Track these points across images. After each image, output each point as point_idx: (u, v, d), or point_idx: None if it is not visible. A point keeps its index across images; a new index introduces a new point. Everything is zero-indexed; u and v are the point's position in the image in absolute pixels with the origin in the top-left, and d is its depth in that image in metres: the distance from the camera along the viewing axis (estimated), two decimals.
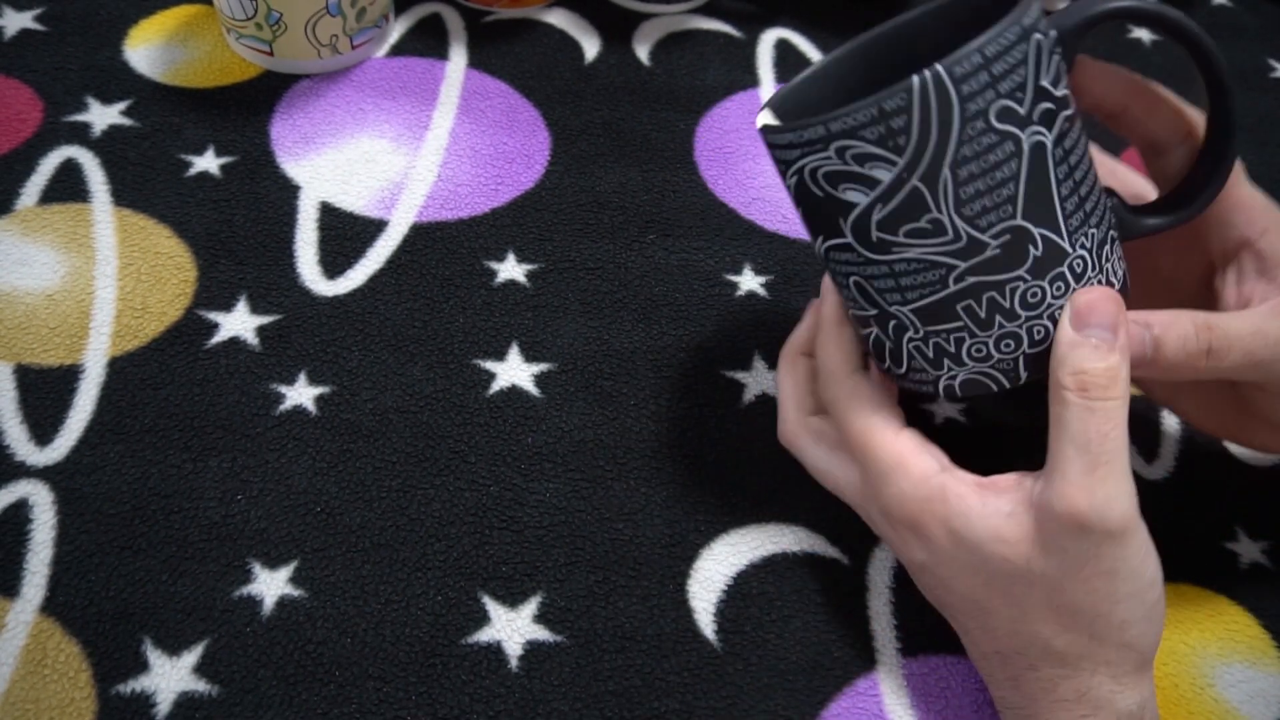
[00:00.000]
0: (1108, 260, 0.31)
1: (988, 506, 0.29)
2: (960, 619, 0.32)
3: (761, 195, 0.47)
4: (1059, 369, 0.29)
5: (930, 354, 0.31)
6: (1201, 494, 0.39)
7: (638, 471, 0.38)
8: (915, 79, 0.27)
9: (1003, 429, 0.40)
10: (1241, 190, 0.33)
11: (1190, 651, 0.35)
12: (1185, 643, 0.36)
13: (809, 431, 0.35)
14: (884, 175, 0.28)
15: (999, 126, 0.28)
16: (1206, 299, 0.34)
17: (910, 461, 0.31)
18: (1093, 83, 0.32)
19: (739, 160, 0.48)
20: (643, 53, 0.52)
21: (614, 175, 0.47)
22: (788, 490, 0.38)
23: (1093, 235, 0.30)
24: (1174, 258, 0.35)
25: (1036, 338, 0.30)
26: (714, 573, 0.35)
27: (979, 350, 0.31)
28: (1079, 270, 0.30)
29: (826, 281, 0.35)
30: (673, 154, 0.48)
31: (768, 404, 0.40)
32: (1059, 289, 0.30)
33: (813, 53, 0.54)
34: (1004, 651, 0.30)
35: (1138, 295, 0.36)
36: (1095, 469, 0.28)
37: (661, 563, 0.35)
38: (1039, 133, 0.28)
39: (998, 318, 0.30)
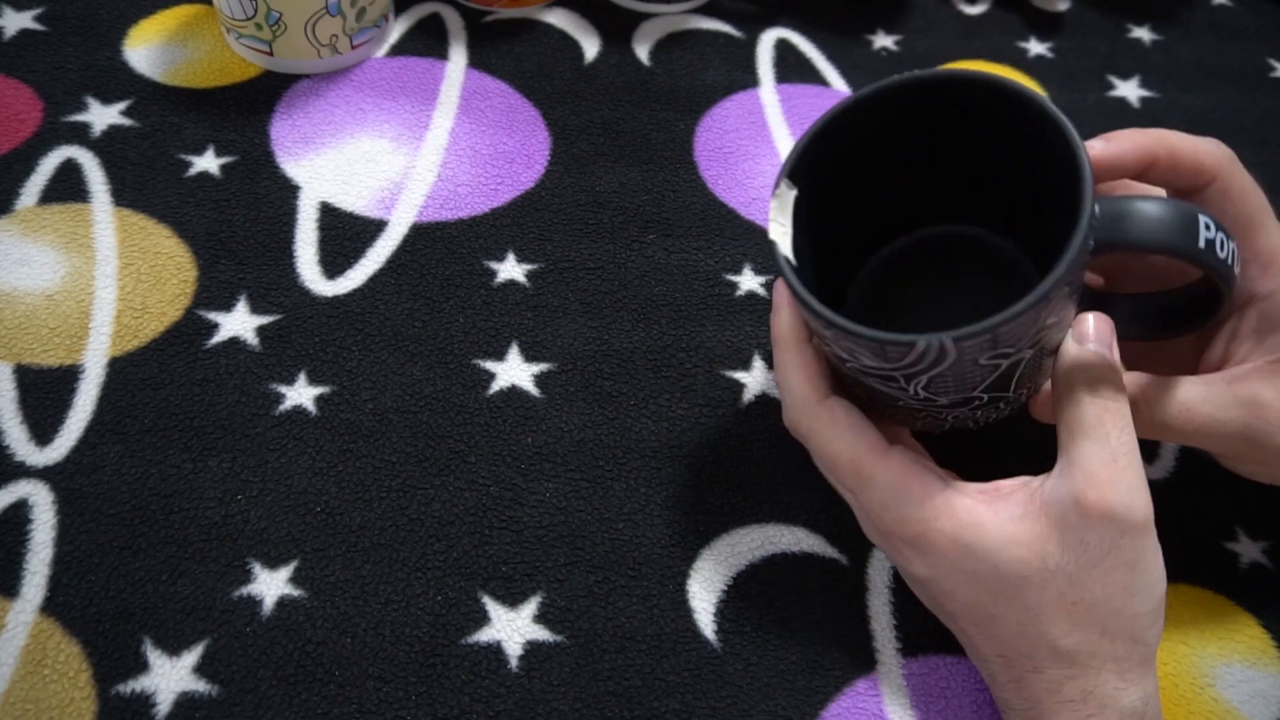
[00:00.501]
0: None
1: (999, 514, 0.29)
2: (961, 625, 0.31)
3: (761, 195, 0.47)
4: (1071, 374, 0.30)
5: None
6: (1201, 494, 0.39)
7: (638, 471, 0.38)
8: (921, 341, 0.28)
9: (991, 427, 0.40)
10: (1266, 242, 0.32)
11: (1190, 651, 0.35)
12: (1185, 643, 0.36)
13: (826, 415, 0.32)
14: (868, 362, 0.30)
15: (984, 362, 0.29)
16: (1198, 343, 0.35)
17: (909, 483, 0.30)
18: (1114, 154, 0.32)
19: (739, 160, 0.48)
20: (643, 53, 0.52)
21: (614, 175, 0.47)
22: (788, 490, 0.38)
23: (1049, 364, 0.31)
24: None
25: (980, 419, 0.34)
26: (714, 573, 0.35)
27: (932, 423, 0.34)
28: (1023, 399, 0.33)
29: (778, 292, 0.33)
30: (673, 154, 0.48)
31: (768, 404, 0.40)
32: (1000, 406, 0.33)
33: (812, 52, 0.54)
34: (1008, 655, 0.30)
35: None
36: (1116, 460, 0.28)
37: (661, 563, 0.35)
38: (1023, 354, 0.30)
39: (944, 421, 0.34)
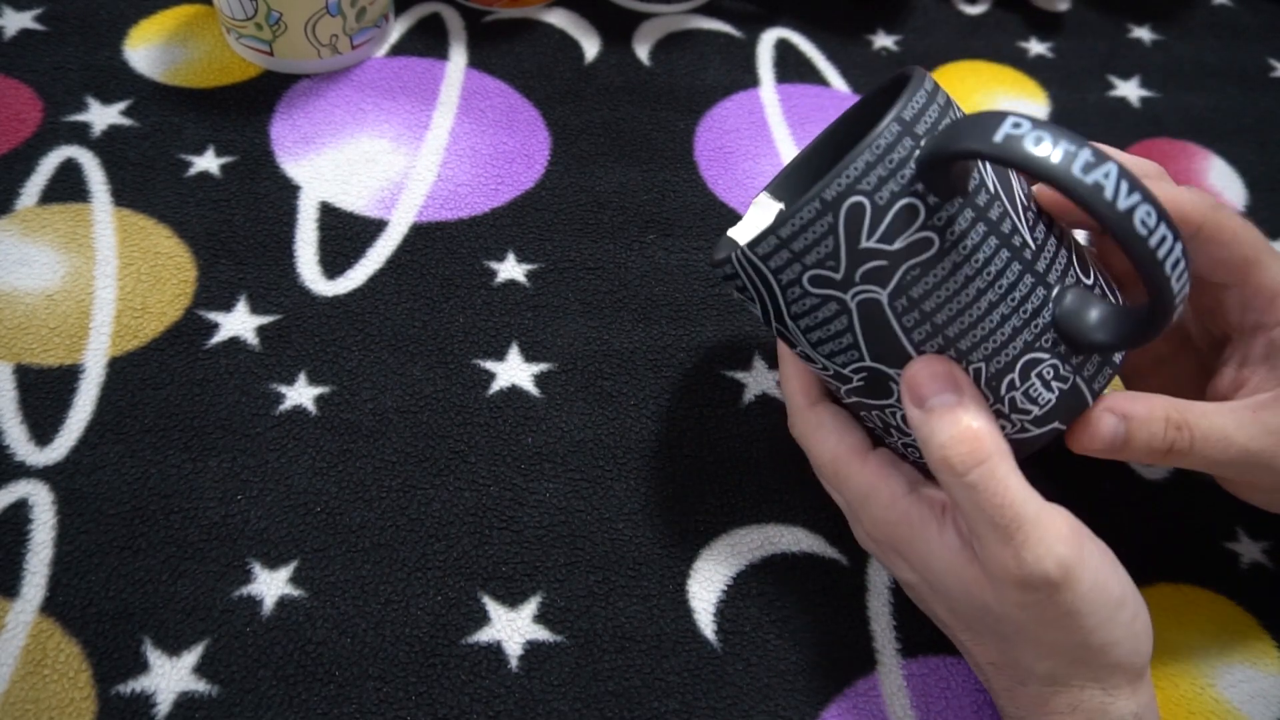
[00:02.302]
0: (1013, 389, 0.29)
1: (945, 539, 0.29)
2: (953, 633, 0.32)
3: None
4: (924, 449, 0.28)
5: (878, 428, 0.32)
6: (1201, 494, 0.39)
7: (638, 471, 0.38)
8: (732, 254, 0.29)
9: None
10: (1268, 277, 0.31)
11: (1190, 651, 0.35)
12: (1185, 643, 0.36)
13: (814, 420, 0.33)
14: (756, 311, 0.31)
15: (815, 291, 0.29)
16: (1208, 368, 0.35)
17: (880, 486, 0.31)
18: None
19: (739, 160, 0.48)
20: (643, 53, 0.52)
21: (614, 175, 0.47)
22: (787, 490, 0.38)
23: (980, 369, 0.29)
24: (1195, 323, 0.35)
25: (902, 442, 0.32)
26: (714, 573, 0.35)
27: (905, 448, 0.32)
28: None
29: None
30: (673, 154, 0.48)
31: (768, 404, 0.40)
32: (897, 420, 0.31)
33: (813, 52, 0.54)
34: (996, 664, 0.30)
35: (1150, 345, 0.36)
36: (1010, 539, 0.27)
37: (661, 563, 0.35)
38: (867, 290, 0.28)
39: (892, 429, 0.31)
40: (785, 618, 0.35)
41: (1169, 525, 0.38)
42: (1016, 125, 0.25)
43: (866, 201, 0.27)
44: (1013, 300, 0.28)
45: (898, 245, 0.27)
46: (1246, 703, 0.34)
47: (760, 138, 0.49)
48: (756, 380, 0.41)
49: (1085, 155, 0.24)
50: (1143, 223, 0.24)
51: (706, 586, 0.35)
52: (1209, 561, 0.38)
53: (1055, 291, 0.29)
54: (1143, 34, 0.58)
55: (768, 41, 0.54)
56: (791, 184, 0.36)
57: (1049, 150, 0.24)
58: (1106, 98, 0.54)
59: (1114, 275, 0.33)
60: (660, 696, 0.33)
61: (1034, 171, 0.25)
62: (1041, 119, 0.27)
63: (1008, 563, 0.27)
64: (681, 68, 0.52)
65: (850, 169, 0.27)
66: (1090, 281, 0.30)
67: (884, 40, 0.55)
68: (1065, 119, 0.53)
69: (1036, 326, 0.29)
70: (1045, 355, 0.29)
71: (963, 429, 0.27)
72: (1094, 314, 0.28)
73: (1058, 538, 0.27)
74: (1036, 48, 0.56)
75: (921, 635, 0.35)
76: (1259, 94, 0.56)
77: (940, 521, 0.30)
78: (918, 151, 0.27)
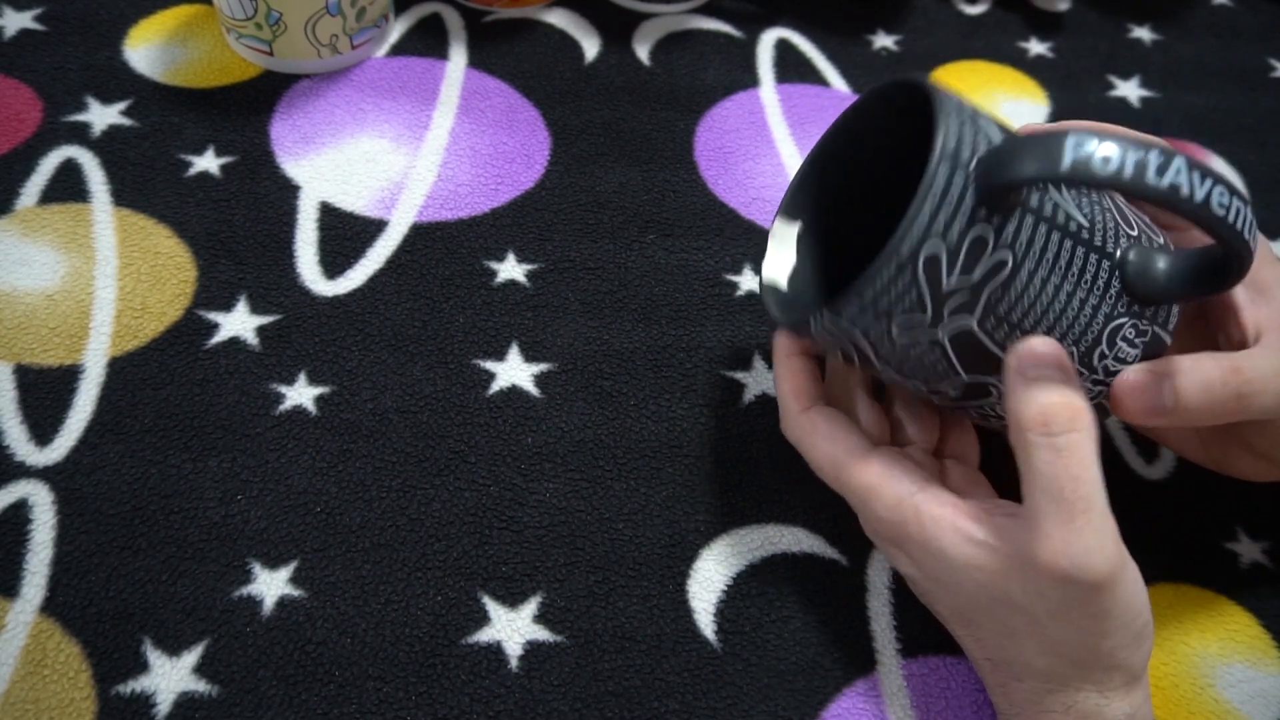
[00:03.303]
0: (1104, 359, 0.30)
1: (960, 532, 0.29)
2: (951, 626, 0.32)
3: (761, 195, 0.47)
4: (1019, 410, 0.28)
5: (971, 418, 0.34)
6: (1201, 494, 0.39)
7: (638, 471, 0.37)
8: (811, 318, 0.30)
9: None
10: None
11: (1190, 651, 0.35)
12: (1185, 643, 0.36)
13: (808, 425, 0.34)
14: (837, 355, 0.32)
15: (902, 337, 0.29)
16: (1206, 329, 0.34)
17: (882, 487, 0.31)
18: None
19: (739, 160, 0.48)
20: (643, 53, 0.52)
21: (614, 175, 0.47)
22: (787, 490, 0.38)
23: (1072, 353, 0.29)
24: None
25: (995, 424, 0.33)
26: (714, 573, 0.35)
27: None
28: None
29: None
30: (673, 154, 0.48)
31: (768, 404, 0.40)
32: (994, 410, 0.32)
33: (812, 52, 0.54)
34: (993, 659, 0.30)
35: None
36: (1072, 519, 0.27)
37: (661, 563, 0.35)
38: (956, 322, 0.29)
39: (990, 419, 0.32)
40: (785, 618, 0.35)
41: (1169, 525, 0.38)
42: (1079, 145, 0.25)
43: (940, 244, 0.27)
44: (1086, 282, 0.29)
45: (977, 275, 0.28)
46: (1246, 703, 0.34)
47: (760, 138, 0.49)
48: (756, 380, 0.41)
49: (1154, 159, 0.25)
50: (1220, 204, 0.25)
51: (706, 586, 0.35)
52: (1209, 561, 0.38)
53: (1116, 257, 0.29)
54: (1143, 34, 0.58)
55: (768, 41, 0.54)
56: (800, 203, 0.35)
57: (1119, 164, 0.25)
58: (1106, 98, 0.54)
59: (1143, 210, 0.33)
60: (660, 696, 0.33)
61: (1109, 188, 0.25)
62: (1090, 126, 0.27)
63: (1059, 551, 0.27)
64: (681, 68, 0.52)
65: (918, 219, 0.27)
66: (1135, 232, 0.30)
67: (884, 40, 0.55)
68: (1065, 120, 0.53)
69: (1111, 296, 0.29)
70: (1124, 318, 0.30)
71: (1068, 399, 0.27)
72: (1161, 268, 0.29)
73: (1114, 537, 0.27)
74: (1036, 48, 0.56)
75: (921, 635, 0.35)
76: (1259, 94, 0.56)
77: (955, 517, 0.30)
78: (971, 180, 0.27)
